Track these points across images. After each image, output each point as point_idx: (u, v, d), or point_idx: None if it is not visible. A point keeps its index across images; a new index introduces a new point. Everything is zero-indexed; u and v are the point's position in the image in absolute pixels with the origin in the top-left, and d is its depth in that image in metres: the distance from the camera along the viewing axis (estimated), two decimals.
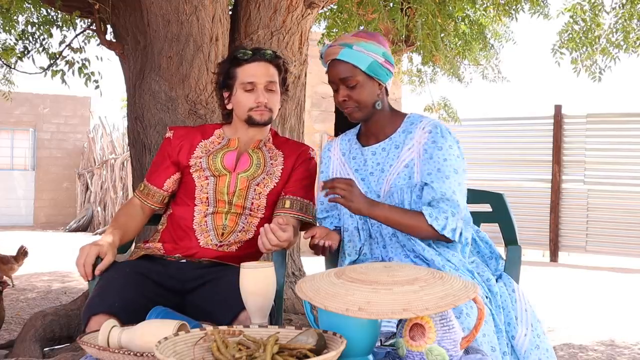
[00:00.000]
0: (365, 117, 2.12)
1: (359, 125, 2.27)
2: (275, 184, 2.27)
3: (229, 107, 2.31)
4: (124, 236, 2.24)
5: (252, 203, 2.24)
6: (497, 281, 2.10)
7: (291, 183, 2.29)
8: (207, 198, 2.23)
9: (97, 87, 5.29)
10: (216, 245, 2.19)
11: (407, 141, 2.10)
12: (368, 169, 2.14)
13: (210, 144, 2.31)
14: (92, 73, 5.25)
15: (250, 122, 2.25)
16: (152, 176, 2.34)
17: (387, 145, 2.13)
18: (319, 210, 2.30)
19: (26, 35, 5.49)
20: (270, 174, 2.28)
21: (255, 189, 2.25)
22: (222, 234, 2.20)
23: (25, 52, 5.50)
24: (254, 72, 2.24)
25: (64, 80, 5.39)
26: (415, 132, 2.09)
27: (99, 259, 2.09)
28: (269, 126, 2.34)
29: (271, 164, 2.29)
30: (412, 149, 2.08)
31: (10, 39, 5.50)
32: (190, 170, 2.26)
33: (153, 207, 2.34)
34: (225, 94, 2.30)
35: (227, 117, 2.36)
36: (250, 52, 2.26)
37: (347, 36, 2.12)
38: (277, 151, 2.33)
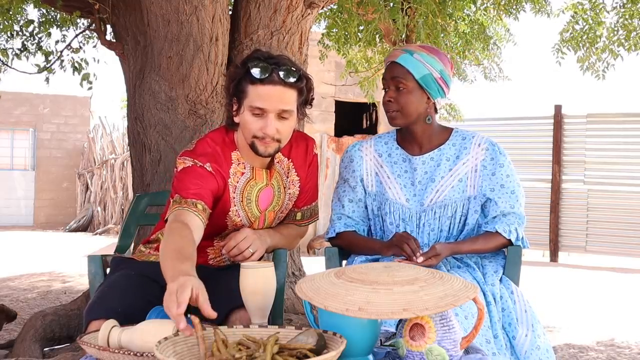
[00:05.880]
0: (405, 125, 2.18)
1: (394, 130, 2.31)
2: (295, 202, 2.19)
3: (236, 119, 1.99)
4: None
5: (273, 225, 2.18)
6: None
7: (302, 195, 2.19)
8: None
9: (89, 88, 5.28)
10: (226, 263, 2.17)
11: (461, 156, 2.18)
12: (416, 178, 2.19)
13: (234, 177, 2.02)
14: (88, 74, 5.25)
15: (253, 150, 1.96)
16: (206, 199, 1.92)
17: (435, 156, 2.20)
18: (342, 209, 2.28)
19: (24, 34, 5.49)
20: (292, 197, 2.15)
21: (279, 217, 2.16)
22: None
23: (23, 50, 5.50)
24: (266, 97, 1.88)
25: (47, 79, 5.39)
26: (470, 148, 2.19)
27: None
28: None
29: (288, 181, 2.13)
30: (467, 164, 2.18)
31: (10, 39, 5.51)
32: (225, 218, 2.05)
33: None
34: (234, 104, 1.97)
35: (233, 124, 2.03)
36: (268, 70, 1.87)
37: (413, 45, 2.25)
38: (288, 162, 2.13)
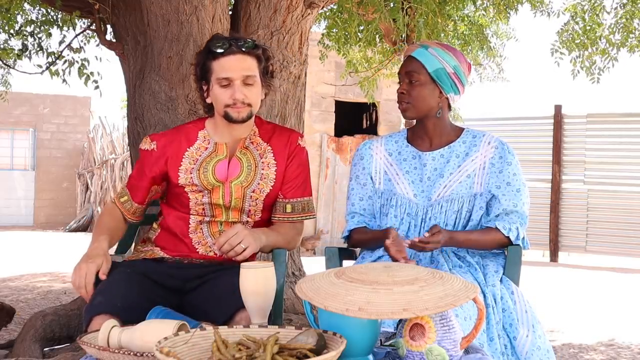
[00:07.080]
0: (416, 118, 2.24)
1: (404, 129, 2.37)
2: (271, 187, 2.20)
3: (208, 100, 2.18)
4: (111, 242, 2.20)
5: (250, 210, 2.20)
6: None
7: (288, 184, 2.22)
8: (203, 209, 2.18)
9: (96, 87, 5.28)
10: (215, 254, 2.17)
11: (470, 153, 2.22)
12: (425, 174, 2.22)
13: (197, 151, 2.20)
14: (92, 73, 5.24)
15: (228, 119, 2.12)
16: (135, 192, 2.24)
17: (446, 153, 2.24)
18: (352, 207, 2.32)
19: (24, 34, 5.49)
20: (265, 177, 2.19)
21: (251, 196, 2.18)
22: None
23: (24, 50, 5.49)
24: (229, 66, 2.08)
25: (64, 80, 5.39)
26: (480, 146, 2.23)
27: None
28: (252, 120, 2.21)
29: (262, 162, 2.20)
30: (476, 161, 2.22)
31: (10, 39, 5.50)
32: (182, 187, 2.18)
33: (133, 221, 2.29)
34: (204, 87, 2.17)
35: (210, 109, 2.23)
36: (226, 44, 2.09)
37: (430, 41, 2.30)
38: (266, 146, 2.22)
